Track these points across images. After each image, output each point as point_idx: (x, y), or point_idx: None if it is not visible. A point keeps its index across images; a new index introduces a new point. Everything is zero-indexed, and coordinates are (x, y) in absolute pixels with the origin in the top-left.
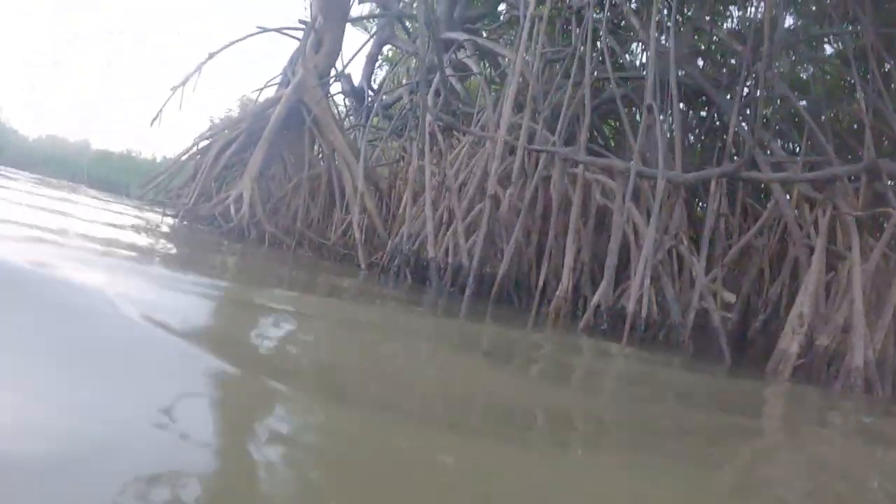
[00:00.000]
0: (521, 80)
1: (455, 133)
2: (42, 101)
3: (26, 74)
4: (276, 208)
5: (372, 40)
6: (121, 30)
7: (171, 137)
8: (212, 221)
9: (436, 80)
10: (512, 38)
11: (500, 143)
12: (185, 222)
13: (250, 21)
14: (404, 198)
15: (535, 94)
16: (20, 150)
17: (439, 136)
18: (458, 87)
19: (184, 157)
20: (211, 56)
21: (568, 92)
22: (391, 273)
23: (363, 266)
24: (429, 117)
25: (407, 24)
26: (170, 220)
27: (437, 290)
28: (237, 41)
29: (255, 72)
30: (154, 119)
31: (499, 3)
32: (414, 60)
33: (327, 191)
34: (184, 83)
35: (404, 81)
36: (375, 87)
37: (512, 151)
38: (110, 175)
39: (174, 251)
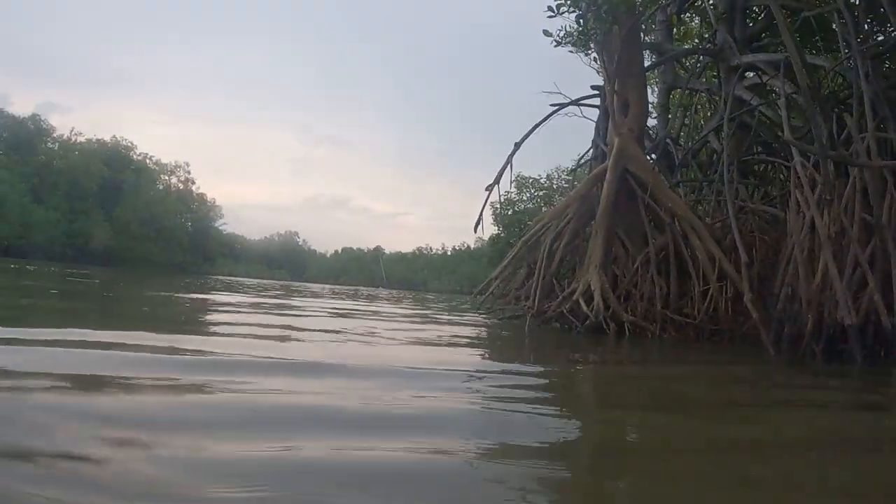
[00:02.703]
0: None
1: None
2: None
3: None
4: (627, 293)
5: (658, 89)
6: None
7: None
8: (560, 320)
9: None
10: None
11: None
12: (534, 325)
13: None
14: (787, 255)
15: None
16: (320, 266)
17: (803, 178)
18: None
19: (513, 256)
20: (517, 146)
21: None
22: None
23: (772, 351)
24: (797, 157)
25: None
26: (491, 321)
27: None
28: (539, 124)
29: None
30: (477, 223)
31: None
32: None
33: (676, 263)
34: (498, 180)
35: (703, 124)
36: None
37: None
38: (406, 274)
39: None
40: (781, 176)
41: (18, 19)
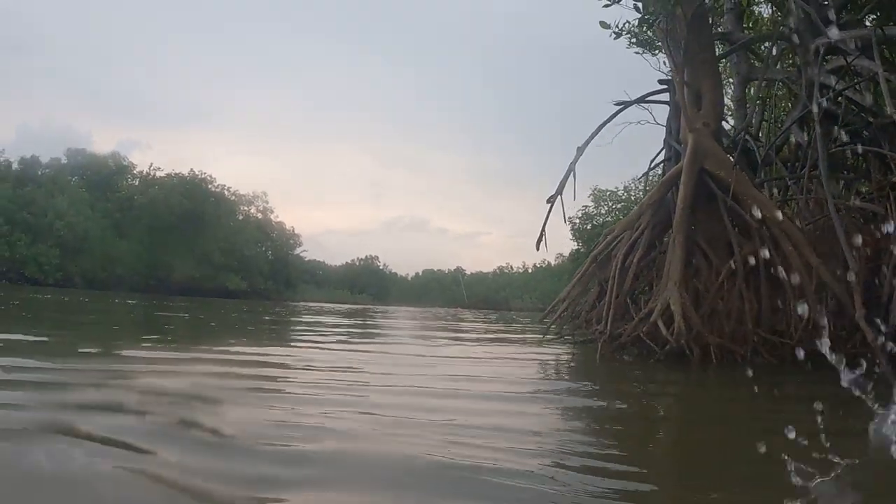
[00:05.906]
0: None
1: None
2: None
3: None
4: (712, 311)
5: (733, 82)
6: None
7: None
8: (637, 345)
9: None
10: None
11: None
12: (606, 353)
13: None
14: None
15: None
16: (402, 289)
17: None
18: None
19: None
20: (580, 151)
21: None
22: None
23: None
24: None
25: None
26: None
27: None
28: (602, 126)
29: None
30: (539, 240)
31: None
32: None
33: (766, 275)
34: (560, 191)
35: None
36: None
37: None
38: (487, 293)
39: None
40: (873, 168)
41: (97, 62)
